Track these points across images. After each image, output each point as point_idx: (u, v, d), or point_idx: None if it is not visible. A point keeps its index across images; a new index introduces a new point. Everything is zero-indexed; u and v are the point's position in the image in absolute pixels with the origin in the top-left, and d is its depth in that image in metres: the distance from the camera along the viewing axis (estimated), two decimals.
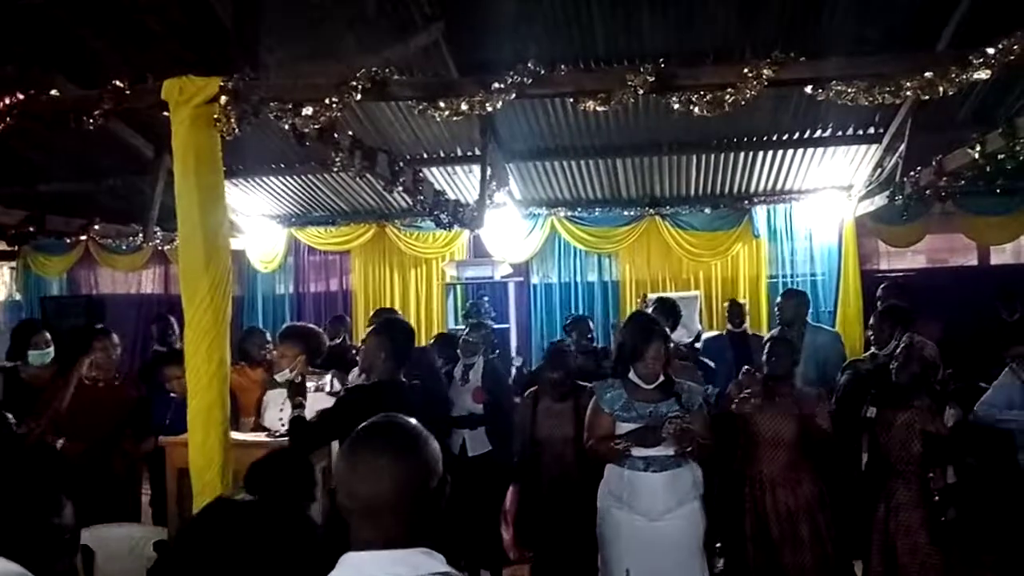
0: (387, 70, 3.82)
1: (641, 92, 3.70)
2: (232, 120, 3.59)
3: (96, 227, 7.78)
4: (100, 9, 4.80)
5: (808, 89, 3.81)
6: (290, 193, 8.28)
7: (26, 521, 1.78)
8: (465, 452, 4.96)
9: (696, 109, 3.71)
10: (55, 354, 4.66)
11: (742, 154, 7.21)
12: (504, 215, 7.86)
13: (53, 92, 4.06)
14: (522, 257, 8.52)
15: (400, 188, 5.52)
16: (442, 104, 3.78)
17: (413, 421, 1.55)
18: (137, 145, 6.50)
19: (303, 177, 7.85)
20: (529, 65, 3.74)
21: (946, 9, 4.93)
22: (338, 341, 6.66)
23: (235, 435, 3.80)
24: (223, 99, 3.61)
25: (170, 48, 4.79)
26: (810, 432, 3.91)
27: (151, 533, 3.43)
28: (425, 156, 7.23)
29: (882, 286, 6.72)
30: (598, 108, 3.79)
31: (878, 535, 3.88)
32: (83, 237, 8.06)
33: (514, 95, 3.76)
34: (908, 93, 3.66)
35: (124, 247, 8.44)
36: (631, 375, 3.69)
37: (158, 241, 7.74)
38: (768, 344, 4.19)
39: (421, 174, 5.96)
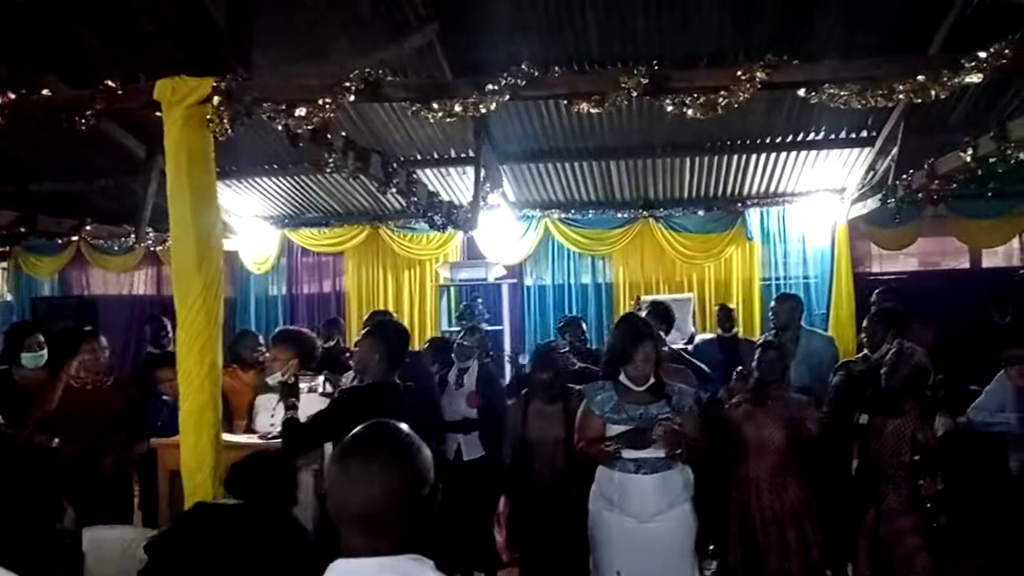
0: (381, 71, 3.82)
1: (635, 94, 3.70)
2: (225, 120, 3.59)
3: (88, 228, 7.75)
4: (92, 9, 4.78)
5: (801, 92, 3.83)
6: (283, 194, 8.26)
7: (27, 527, 1.75)
8: (460, 456, 4.95)
9: (689, 112, 3.72)
10: (48, 356, 4.63)
11: (735, 157, 7.22)
12: (498, 217, 7.86)
13: (45, 92, 4.04)
14: (516, 259, 8.52)
15: (394, 189, 5.52)
16: (436, 105, 3.78)
17: (405, 428, 1.54)
18: (129, 145, 6.48)
19: (296, 178, 7.83)
20: (523, 67, 3.74)
21: (938, 13, 4.95)
22: (332, 343, 6.65)
23: (227, 437, 3.79)
24: (216, 99, 3.60)
25: (163, 48, 4.77)
26: (799, 437, 3.93)
27: (143, 535, 3.39)
28: (419, 157, 7.22)
29: (877, 290, 6.74)
30: (592, 110, 3.80)
31: (866, 540, 3.89)
32: (75, 238, 8.03)
33: (508, 97, 3.76)
34: (900, 96, 3.68)
35: (116, 248, 8.40)
36: (621, 377, 3.69)
37: (150, 242, 7.70)
38: (758, 349, 4.21)
39: (415, 175, 5.96)
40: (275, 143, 6.48)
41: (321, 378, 4.34)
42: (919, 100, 3.71)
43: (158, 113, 3.67)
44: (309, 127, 3.82)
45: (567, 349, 5.83)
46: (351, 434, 1.51)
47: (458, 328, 6.95)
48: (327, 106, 3.68)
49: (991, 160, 4.88)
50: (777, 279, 8.29)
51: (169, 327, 6.21)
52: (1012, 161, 4.72)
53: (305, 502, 3.38)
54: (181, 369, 3.59)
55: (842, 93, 3.65)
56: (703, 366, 5.04)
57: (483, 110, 3.81)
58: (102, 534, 3.12)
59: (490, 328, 7.16)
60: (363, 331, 3.98)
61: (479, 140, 6.50)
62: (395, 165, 5.39)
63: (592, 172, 7.60)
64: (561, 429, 4.23)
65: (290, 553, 1.78)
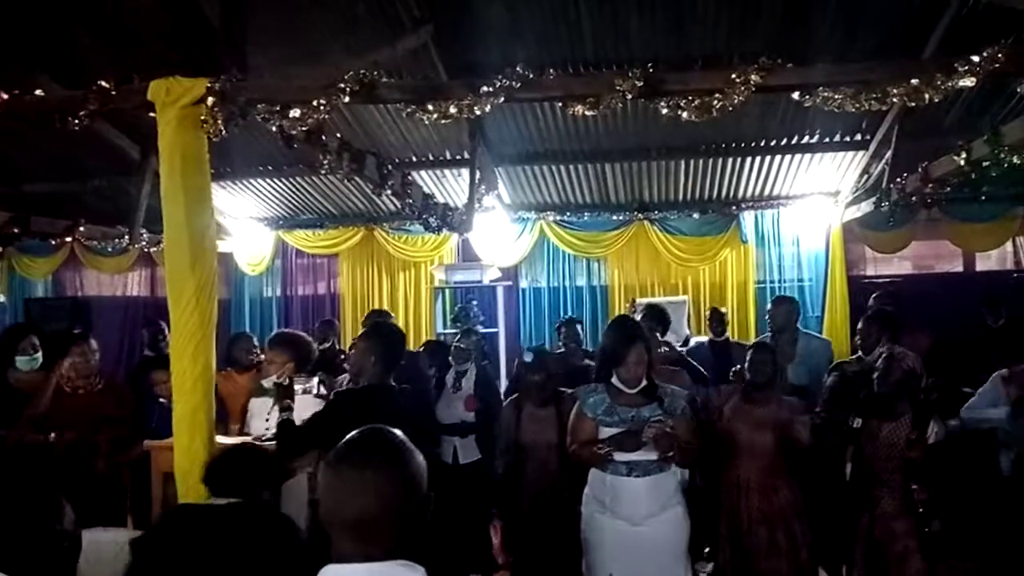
0: (376, 72, 3.82)
1: (630, 97, 3.71)
2: (219, 121, 3.58)
3: (81, 228, 7.71)
4: (86, 8, 4.77)
5: (795, 95, 3.84)
6: (278, 195, 8.25)
7: (25, 528, 1.72)
8: (457, 460, 4.95)
9: (684, 114, 3.73)
10: (43, 359, 4.61)
11: (730, 159, 7.23)
12: (493, 219, 7.85)
13: (38, 92, 4.03)
14: (511, 261, 8.52)
15: (388, 191, 5.51)
16: (431, 107, 3.79)
17: (399, 434, 1.53)
18: (123, 146, 6.46)
19: (291, 179, 7.82)
20: (518, 69, 3.75)
21: (932, 17, 4.96)
22: (327, 345, 6.64)
23: (221, 439, 3.77)
24: (210, 100, 3.60)
25: (157, 48, 4.75)
26: (789, 440, 3.94)
27: None
28: (414, 159, 7.21)
29: (875, 294, 6.76)
30: (587, 112, 3.81)
31: (862, 544, 3.90)
32: (68, 239, 7.98)
33: (503, 99, 3.77)
34: (894, 100, 3.69)
35: (110, 249, 8.36)
36: (614, 379, 3.68)
37: (144, 243, 7.69)
38: (750, 351, 4.22)
39: (410, 177, 5.95)
40: (269, 144, 6.47)
41: (316, 380, 4.32)
42: (913, 104, 3.73)
43: (152, 114, 3.66)
44: (304, 128, 3.82)
45: (562, 350, 5.85)
46: (345, 439, 1.50)
47: (453, 331, 6.94)
48: (322, 107, 3.68)
49: (985, 164, 4.90)
50: (772, 282, 8.30)
51: (167, 331, 6.16)
52: (1005, 164, 4.73)
53: (299, 504, 3.37)
54: (175, 371, 3.58)
55: (836, 96, 3.67)
56: (701, 368, 5.06)
57: (478, 112, 3.81)
58: (95, 536, 3.10)
59: (485, 331, 7.15)
60: (359, 333, 3.97)
61: (474, 142, 6.50)
62: (390, 167, 5.38)
63: (587, 174, 7.61)
64: (554, 433, 4.21)
65: (280, 553, 1.76)
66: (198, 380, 3.54)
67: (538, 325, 8.61)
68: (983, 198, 7.40)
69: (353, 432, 1.53)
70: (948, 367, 5.01)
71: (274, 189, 8.08)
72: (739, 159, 7.22)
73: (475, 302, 7.97)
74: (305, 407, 3.78)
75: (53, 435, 4.25)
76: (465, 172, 6.91)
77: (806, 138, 6.88)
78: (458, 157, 7.12)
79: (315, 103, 3.67)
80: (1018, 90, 4.02)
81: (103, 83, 3.81)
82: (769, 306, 5.86)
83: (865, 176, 7.23)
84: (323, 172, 5.40)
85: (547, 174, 7.61)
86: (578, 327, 6.21)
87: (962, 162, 5.05)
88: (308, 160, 5.89)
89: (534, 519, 4.28)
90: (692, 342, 6.67)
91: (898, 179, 6.29)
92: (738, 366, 4.45)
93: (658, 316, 5.24)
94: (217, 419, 3.81)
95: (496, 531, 5.19)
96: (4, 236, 7.51)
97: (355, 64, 3.94)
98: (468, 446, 4.99)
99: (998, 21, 4.29)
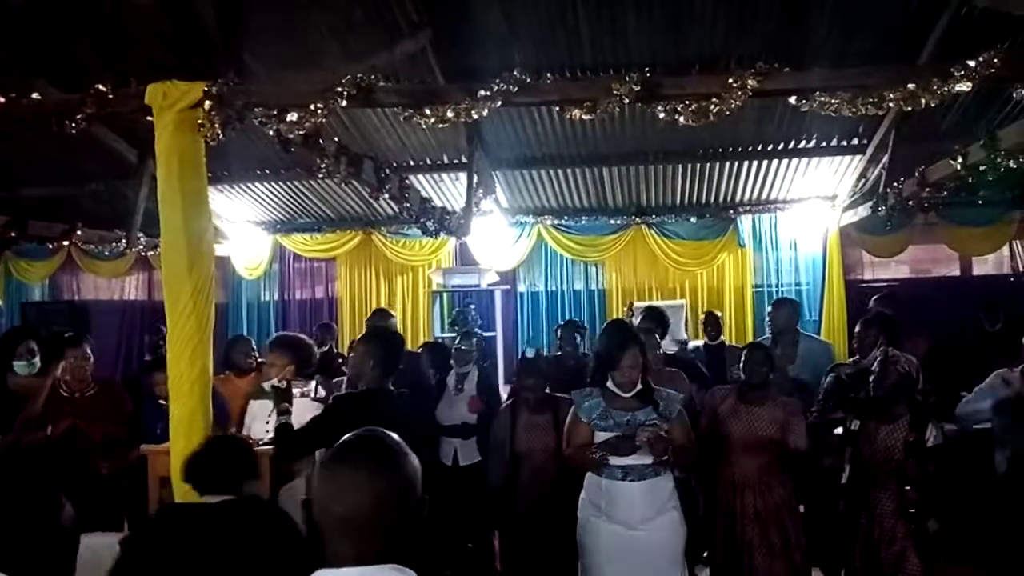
0: (373, 76, 3.82)
1: (627, 101, 3.72)
2: (216, 125, 3.58)
3: (79, 232, 7.69)
4: (83, 12, 4.77)
5: (792, 100, 3.85)
6: (275, 199, 8.25)
7: (24, 526, 1.71)
8: (457, 462, 4.94)
9: (681, 119, 3.73)
10: (41, 363, 4.59)
11: (727, 164, 7.25)
12: (491, 223, 7.86)
13: (35, 96, 4.03)
14: (509, 265, 8.52)
15: (386, 195, 5.52)
16: (428, 111, 3.79)
17: (394, 437, 1.52)
18: (120, 150, 6.46)
19: (288, 183, 7.82)
20: (515, 73, 3.75)
21: (929, 21, 4.98)
22: (325, 348, 6.63)
23: None
24: (207, 104, 3.60)
25: (154, 52, 4.75)
26: (784, 442, 3.94)
27: None
28: (411, 163, 7.22)
29: (875, 296, 6.76)
30: (584, 117, 3.81)
31: (861, 545, 3.90)
32: (65, 242, 7.97)
33: (500, 103, 3.77)
34: (891, 104, 3.71)
35: (107, 253, 8.37)
36: (609, 383, 3.68)
37: (141, 247, 7.66)
38: (745, 351, 4.23)
39: (407, 181, 5.96)
40: (267, 148, 6.47)
41: (314, 383, 4.32)
42: (909, 108, 3.75)
43: (149, 117, 3.66)
44: (301, 132, 3.82)
45: (559, 353, 5.84)
46: (339, 441, 1.50)
47: (451, 335, 6.93)
48: (319, 111, 3.68)
49: (981, 168, 4.91)
50: (769, 286, 8.31)
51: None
52: (1002, 169, 4.75)
53: (298, 506, 3.37)
54: (172, 374, 3.58)
55: (833, 101, 3.67)
56: (704, 369, 5.07)
57: (475, 116, 3.82)
58: (92, 540, 3.09)
59: (483, 334, 7.14)
60: (359, 337, 3.97)
61: (472, 146, 6.50)
62: (387, 171, 5.39)
63: (585, 178, 7.62)
64: (551, 439, 4.17)
65: (276, 547, 1.75)
66: (195, 383, 3.54)
67: (536, 329, 8.61)
68: (980, 202, 7.40)
69: (348, 434, 1.52)
70: (946, 371, 5.01)
71: (271, 193, 8.08)
72: (736, 163, 7.23)
73: (473, 306, 7.96)
74: (303, 410, 3.77)
75: (50, 428, 4.24)
76: (463, 176, 6.92)
77: (803, 142, 6.89)
78: (456, 161, 7.12)
79: (312, 107, 3.67)
80: (1014, 95, 4.03)
81: (100, 87, 3.81)
82: (769, 308, 5.86)
83: (862, 180, 7.25)
84: (320, 176, 5.40)
85: (545, 178, 7.62)
86: (577, 331, 6.19)
87: (959, 166, 5.06)
88: (305, 164, 5.88)
89: (530, 524, 4.27)
90: (690, 345, 6.68)
91: (895, 183, 6.30)
92: (735, 367, 4.46)
93: (657, 318, 5.25)
94: (217, 423, 3.80)
95: (496, 536, 5.17)
96: (1, 240, 7.50)
97: (353, 68, 3.94)
98: (468, 448, 4.97)
99: (994, 26, 4.31)
